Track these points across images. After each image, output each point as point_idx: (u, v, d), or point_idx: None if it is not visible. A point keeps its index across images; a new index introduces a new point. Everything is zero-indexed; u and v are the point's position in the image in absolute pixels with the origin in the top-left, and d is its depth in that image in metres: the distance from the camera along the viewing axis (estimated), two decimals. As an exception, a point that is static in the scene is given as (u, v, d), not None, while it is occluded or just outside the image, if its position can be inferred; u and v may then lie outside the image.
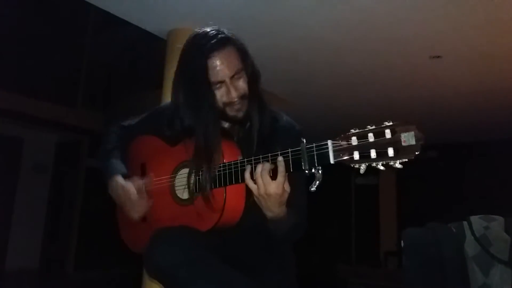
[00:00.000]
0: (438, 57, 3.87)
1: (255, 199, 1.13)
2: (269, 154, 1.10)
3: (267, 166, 1.08)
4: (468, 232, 1.56)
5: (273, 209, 1.11)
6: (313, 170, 1.04)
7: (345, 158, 0.98)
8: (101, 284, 5.85)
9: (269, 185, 1.07)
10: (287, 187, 1.09)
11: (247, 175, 1.11)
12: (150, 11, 3.22)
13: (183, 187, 1.30)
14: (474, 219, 1.60)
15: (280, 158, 1.07)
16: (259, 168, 1.08)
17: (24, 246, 6.34)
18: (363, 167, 0.97)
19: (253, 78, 1.29)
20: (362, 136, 0.96)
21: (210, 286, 1.09)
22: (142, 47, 5.52)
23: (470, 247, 1.53)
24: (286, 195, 1.10)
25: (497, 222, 1.58)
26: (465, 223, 1.60)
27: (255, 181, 1.09)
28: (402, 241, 1.59)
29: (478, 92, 4.77)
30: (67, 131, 6.59)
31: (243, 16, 3.16)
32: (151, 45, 4.34)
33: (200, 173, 1.22)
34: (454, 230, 1.59)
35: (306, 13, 3.19)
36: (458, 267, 1.50)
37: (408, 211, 7.10)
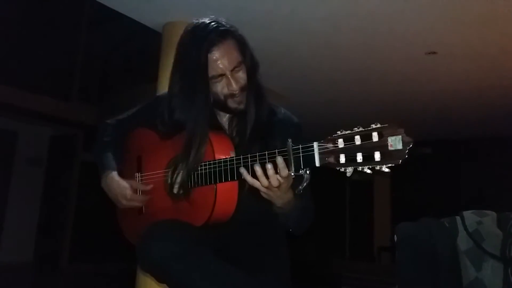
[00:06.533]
0: (434, 53, 3.88)
1: (262, 194, 1.12)
2: (257, 154, 1.09)
3: (269, 165, 1.06)
4: (461, 227, 1.57)
5: (283, 195, 1.12)
6: (300, 172, 1.03)
7: (331, 161, 0.97)
8: (95, 277, 5.84)
9: (274, 180, 1.06)
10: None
11: (248, 178, 1.10)
12: (145, 4, 3.20)
13: (176, 182, 1.30)
14: (467, 214, 1.61)
15: (279, 157, 1.04)
16: (258, 168, 1.06)
17: (18, 239, 6.32)
18: (349, 170, 0.95)
19: (252, 69, 1.29)
20: (348, 139, 0.95)
21: (202, 280, 1.09)
22: (137, 41, 5.49)
23: (463, 242, 1.54)
24: (291, 180, 1.10)
25: (490, 218, 1.59)
26: (458, 218, 1.61)
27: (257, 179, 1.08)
28: (395, 236, 1.60)
29: (473, 88, 4.78)
30: (62, 125, 6.55)
31: (240, 10, 3.14)
32: (146, 38, 4.31)
33: (185, 166, 1.22)
34: (447, 225, 1.60)
35: (303, 8, 3.18)
36: (451, 262, 1.51)
37: (402, 207, 7.13)
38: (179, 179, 1.25)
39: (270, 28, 3.49)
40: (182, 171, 1.22)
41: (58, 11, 6.14)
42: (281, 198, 1.13)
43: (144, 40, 4.59)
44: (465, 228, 1.55)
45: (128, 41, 5.86)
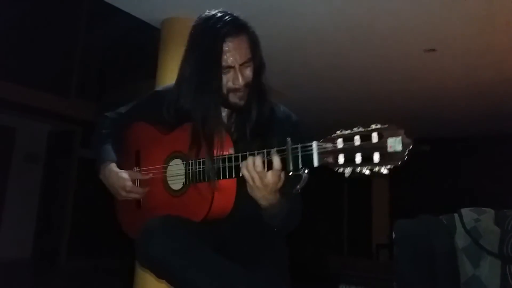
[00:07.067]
0: (433, 50, 3.87)
1: (249, 190, 1.12)
2: (255, 152, 1.09)
3: (259, 158, 1.07)
4: (458, 224, 1.58)
5: (268, 196, 1.12)
6: (299, 172, 1.03)
7: (330, 161, 0.96)
8: (93, 274, 5.85)
9: (265, 176, 1.07)
10: (282, 175, 1.09)
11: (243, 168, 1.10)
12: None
13: (174, 177, 1.30)
14: (465, 211, 1.61)
15: (273, 151, 1.05)
16: (251, 161, 1.07)
17: (16, 236, 6.31)
18: (347, 171, 0.94)
19: (259, 68, 1.29)
20: (348, 139, 0.94)
21: (201, 275, 1.09)
22: (136, 37, 5.47)
23: (461, 239, 1.55)
24: (281, 183, 1.10)
25: (488, 215, 1.59)
26: (456, 215, 1.62)
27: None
28: (393, 233, 1.61)
29: (472, 85, 4.78)
30: (60, 121, 6.54)
31: (239, 7, 3.12)
32: (145, 34, 4.30)
33: (192, 162, 1.22)
34: (445, 222, 1.61)
35: (302, 6, 3.18)
36: (448, 259, 1.52)
37: (400, 204, 7.15)
38: (207, 170, 1.21)
39: (269, 25, 3.48)
40: (207, 161, 1.19)
41: (57, 7, 6.12)
42: (266, 199, 1.12)
43: (142, 36, 4.58)
44: (463, 225, 1.56)
45: (127, 37, 5.84)
